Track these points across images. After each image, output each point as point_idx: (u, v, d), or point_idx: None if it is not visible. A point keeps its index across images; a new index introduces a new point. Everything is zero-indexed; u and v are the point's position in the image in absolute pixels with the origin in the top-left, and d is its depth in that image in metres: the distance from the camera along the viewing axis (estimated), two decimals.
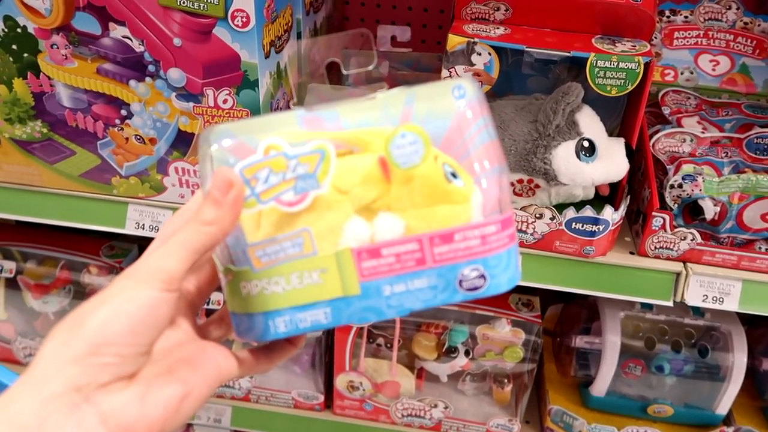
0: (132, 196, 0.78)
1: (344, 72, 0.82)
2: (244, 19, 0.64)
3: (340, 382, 0.97)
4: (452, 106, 0.37)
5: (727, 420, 0.96)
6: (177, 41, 0.66)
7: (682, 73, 0.91)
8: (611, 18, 0.73)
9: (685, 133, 0.81)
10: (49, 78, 0.71)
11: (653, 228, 0.74)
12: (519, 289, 0.91)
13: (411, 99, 0.38)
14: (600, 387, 0.93)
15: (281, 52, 0.74)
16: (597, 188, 0.76)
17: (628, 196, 0.76)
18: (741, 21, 0.89)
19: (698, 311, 0.91)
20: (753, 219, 0.75)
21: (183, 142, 0.73)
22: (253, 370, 0.40)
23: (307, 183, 0.36)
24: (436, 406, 0.96)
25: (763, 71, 0.90)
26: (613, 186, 0.76)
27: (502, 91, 0.81)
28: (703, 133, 0.82)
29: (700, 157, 0.80)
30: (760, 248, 0.77)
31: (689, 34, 0.91)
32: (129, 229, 0.79)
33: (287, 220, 0.37)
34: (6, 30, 0.68)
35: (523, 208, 0.72)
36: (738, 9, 0.89)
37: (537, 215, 0.72)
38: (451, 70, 0.72)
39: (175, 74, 0.68)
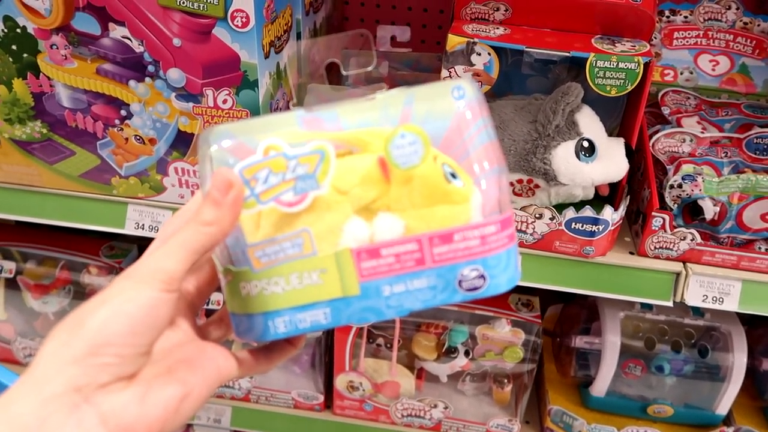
0: (132, 197, 0.78)
1: (344, 72, 0.82)
2: (244, 20, 0.64)
3: (340, 382, 0.97)
4: (452, 107, 0.37)
5: (727, 420, 0.96)
6: (176, 41, 0.66)
7: (681, 73, 0.91)
8: (611, 18, 0.73)
9: (684, 133, 0.81)
10: (48, 78, 0.71)
11: (653, 228, 0.74)
12: (519, 290, 0.91)
13: (410, 99, 0.38)
14: (600, 387, 0.93)
15: (281, 53, 0.74)
16: (597, 188, 0.76)
17: (628, 196, 0.76)
18: (741, 21, 0.89)
19: (698, 311, 0.91)
20: (753, 219, 0.75)
21: (183, 142, 0.73)
22: (252, 370, 0.40)
23: (306, 183, 0.36)
24: (435, 406, 0.96)
25: (763, 71, 0.90)
26: (613, 186, 0.76)
27: (502, 91, 0.81)
28: (702, 133, 0.81)
29: (699, 157, 0.80)
30: (759, 248, 0.77)
31: (689, 34, 0.90)
32: (129, 230, 0.79)
33: (287, 220, 0.37)
34: (6, 30, 0.68)
35: (522, 208, 0.72)
36: (738, 9, 0.88)
37: (537, 215, 0.72)
38: (450, 70, 0.72)
39: (175, 74, 0.68)
